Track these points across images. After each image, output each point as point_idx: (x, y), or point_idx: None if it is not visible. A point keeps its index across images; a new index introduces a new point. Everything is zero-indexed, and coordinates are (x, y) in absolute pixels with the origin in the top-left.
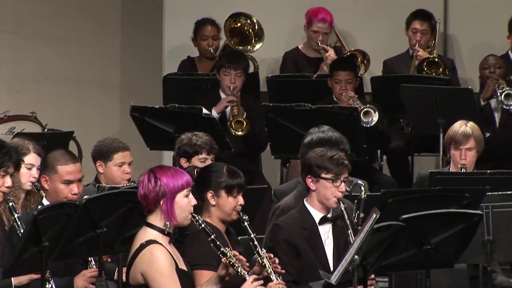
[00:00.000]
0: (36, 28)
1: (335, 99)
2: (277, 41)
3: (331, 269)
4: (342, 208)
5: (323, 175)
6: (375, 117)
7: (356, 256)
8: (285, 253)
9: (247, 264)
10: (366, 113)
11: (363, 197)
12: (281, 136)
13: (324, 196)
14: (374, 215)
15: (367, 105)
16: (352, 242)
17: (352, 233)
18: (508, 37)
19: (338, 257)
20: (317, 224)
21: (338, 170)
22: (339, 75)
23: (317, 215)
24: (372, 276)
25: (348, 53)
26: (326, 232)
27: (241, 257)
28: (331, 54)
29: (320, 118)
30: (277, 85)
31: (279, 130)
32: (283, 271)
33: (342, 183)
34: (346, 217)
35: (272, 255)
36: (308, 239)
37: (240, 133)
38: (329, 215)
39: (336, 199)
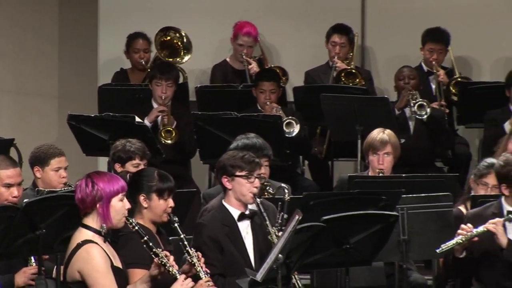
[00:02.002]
0: None
1: (259, 107)
2: (205, 53)
3: (252, 262)
4: (258, 202)
5: (237, 173)
6: (297, 128)
7: (280, 255)
8: (210, 249)
9: (176, 266)
10: (289, 124)
11: (286, 199)
12: (209, 143)
13: (240, 193)
14: (297, 217)
15: (290, 117)
16: (270, 232)
17: (269, 224)
18: (421, 49)
19: (258, 251)
20: (236, 221)
21: (251, 167)
22: (263, 85)
23: (235, 212)
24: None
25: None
26: (245, 228)
27: (171, 258)
28: (254, 67)
29: (246, 126)
30: (205, 94)
31: (207, 137)
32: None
33: (256, 179)
34: (262, 210)
35: (200, 254)
36: (229, 235)
37: (169, 141)
38: (246, 212)
39: (252, 194)
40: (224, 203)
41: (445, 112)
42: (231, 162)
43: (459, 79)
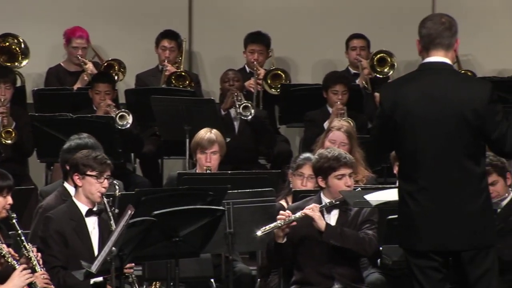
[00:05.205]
0: None
1: (95, 108)
2: (41, 57)
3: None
4: (105, 202)
5: (88, 172)
6: (130, 119)
7: (113, 248)
8: (55, 242)
9: (16, 255)
10: (122, 117)
11: (117, 195)
12: (46, 143)
13: (89, 191)
14: (129, 212)
15: (122, 110)
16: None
17: (114, 224)
18: (244, 52)
19: (102, 246)
20: (84, 216)
21: (102, 168)
22: (99, 87)
23: (83, 208)
24: (132, 264)
25: (106, 63)
26: (92, 223)
27: (10, 249)
28: (90, 66)
29: (80, 126)
30: (42, 97)
31: (44, 137)
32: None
33: (105, 180)
34: (109, 210)
35: (36, 249)
36: (76, 229)
37: (9, 142)
38: (94, 209)
39: (100, 194)
40: (74, 198)
41: (266, 112)
42: (83, 161)
43: (277, 72)
